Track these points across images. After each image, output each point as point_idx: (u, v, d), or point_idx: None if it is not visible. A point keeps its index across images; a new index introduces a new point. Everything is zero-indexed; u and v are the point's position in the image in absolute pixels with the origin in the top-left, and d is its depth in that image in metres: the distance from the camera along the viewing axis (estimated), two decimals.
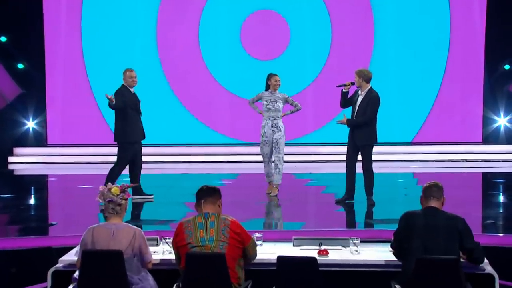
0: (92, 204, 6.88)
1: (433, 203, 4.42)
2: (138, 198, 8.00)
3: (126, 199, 4.33)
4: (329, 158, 12.27)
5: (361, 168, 7.47)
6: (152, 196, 8.02)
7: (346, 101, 7.61)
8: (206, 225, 4.29)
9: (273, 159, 8.35)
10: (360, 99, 7.48)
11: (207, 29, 13.10)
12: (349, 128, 7.52)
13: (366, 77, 7.48)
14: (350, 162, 7.56)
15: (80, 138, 13.06)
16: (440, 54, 12.95)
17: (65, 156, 12.79)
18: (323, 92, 12.64)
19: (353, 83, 7.57)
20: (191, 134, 12.80)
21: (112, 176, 7.80)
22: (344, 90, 7.59)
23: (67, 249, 4.96)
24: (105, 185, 4.28)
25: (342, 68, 12.46)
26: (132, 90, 7.95)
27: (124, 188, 4.33)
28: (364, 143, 7.45)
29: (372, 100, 7.42)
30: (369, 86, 7.48)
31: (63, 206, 8.16)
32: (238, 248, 4.28)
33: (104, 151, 12.46)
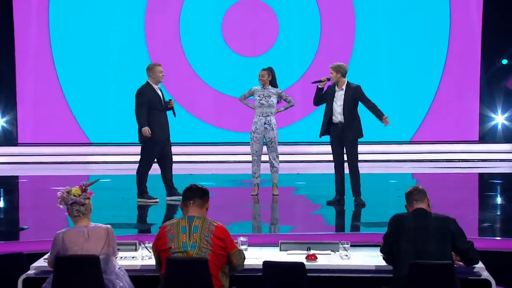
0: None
1: (420, 206, 4.46)
2: (173, 199, 8.01)
3: (89, 198, 4.34)
4: (318, 158, 12.31)
5: (347, 166, 7.57)
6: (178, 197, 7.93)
7: (320, 97, 7.71)
8: (190, 230, 4.25)
9: (268, 159, 8.35)
10: (340, 94, 7.57)
11: (188, 20, 13.08)
12: (326, 126, 7.61)
13: (344, 71, 7.61)
14: (339, 160, 7.66)
15: (52, 137, 13.01)
16: (439, 51, 13.04)
17: (36, 156, 12.75)
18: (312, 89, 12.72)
19: (328, 79, 7.68)
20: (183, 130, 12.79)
21: (141, 179, 7.96)
22: (319, 86, 7.70)
23: (39, 255, 4.93)
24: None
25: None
26: (156, 86, 7.98)
27: (84, 187, 4.33)
28: (354, 138, 7.56)
29: (358, 91, 7.55)
30: (346, 80, 7.61)
31: (35, 209, 8.12)
32: (222, 255, 4.24)
33: (76, 151, 12.45)
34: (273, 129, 8.31)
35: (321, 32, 13.06)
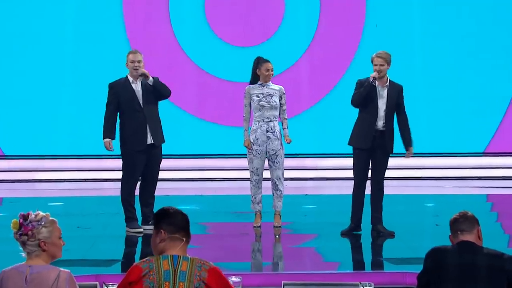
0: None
1: (467, 238, 4.43)
2: (150, 228, 8.00)
3: (27, 234, 4.20)
4: (331, 175, 12.30)
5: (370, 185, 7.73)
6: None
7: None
8: (175, 276, 3.93)
9: (270, 179, 8.26)
10: (383, 93, 7.72)
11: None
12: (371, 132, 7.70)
13: (390, 63, 7.77)
14: (363, 179, 7.76)
15: None
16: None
17: None
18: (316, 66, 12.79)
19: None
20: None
21: (124, 201, 8.07)
22: (375, 84, 7.72)
23: None
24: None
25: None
26: (135, 80, 8.06)
27: (24, 218, 4.21)
28: (392, 150, 7.78)
29: (402, 94, 7.80)
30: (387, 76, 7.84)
31: None
32: None
33: (19, 166, 12.48)
34: (278, 139, 8.18)
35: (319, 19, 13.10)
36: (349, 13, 13.18)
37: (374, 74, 7.70)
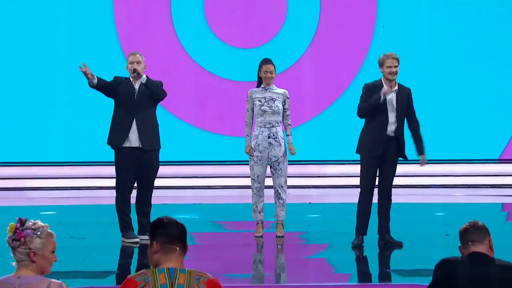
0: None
1: (478, 249, 4.42)
2: (146, 238, 8.02)
3: (20, 240, 4.21)
4: (336, 182, 12.29)
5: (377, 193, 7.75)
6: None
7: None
8: None
9: (273, 186, 8.25)
10: (392, 97, 7.74)
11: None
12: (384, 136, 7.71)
13: None
14: (371, 188, 7.78)
15: None
16: None
17: None
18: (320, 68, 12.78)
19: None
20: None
21: (117, 209, 8.11)
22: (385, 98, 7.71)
23: None
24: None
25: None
26: (135, 82, 8.17)
27: (20, 223, 4.22)
28: (401, 155, 7.81)
29: (411, 98, 7.83)
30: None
31: None
32: None
33: (7, 173, 12.48)
34: (280, 145, 8.17)
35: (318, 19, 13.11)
36: (356, 15, 13.14)
37: (386, 89, 7.62)
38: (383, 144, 7.70)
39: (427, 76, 12.87)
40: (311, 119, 12.70)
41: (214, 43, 13.01)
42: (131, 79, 8.20)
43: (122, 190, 8.19)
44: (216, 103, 12.93)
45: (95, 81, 8.07)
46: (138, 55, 8.22)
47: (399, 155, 7.81)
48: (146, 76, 8.18)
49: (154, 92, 8.17)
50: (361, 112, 7.79)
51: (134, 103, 8.13)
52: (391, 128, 7.74)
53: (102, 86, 8.14)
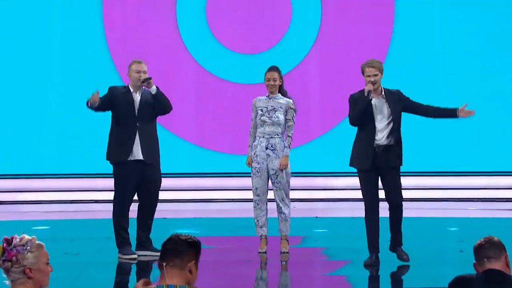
0: None
1: (494, 266, 4.43)
2: (145, 254, 8.11)
3: (11, 260, 4.20)
4: (344, 195, 12.28)
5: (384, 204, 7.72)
6: None
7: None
8: None
9: (275, 199, 8.25)
10: (380, 105, 7.71)
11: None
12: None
13: (383, 71, 7.78)
14: (373, 204, 7.73)
15: None
16: None
17: None
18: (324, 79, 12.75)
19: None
20: None
21: (115, 223, 8.10)
22: (371, 98, 7.72)
23: None
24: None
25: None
26: (136, 92, 8.17)
27: (8, 244, 4.22)
28: (399, 164, 7.76)
29: (402, 97, 7.77)
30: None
31: None
32: None
33: None
34: (278, 157, 8.17)
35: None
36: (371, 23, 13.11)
37: (369, 86, 7.61)
38: (371, 156, 7.64)
39: (441, 85, 12.86)
40: (322, 134, 12.73)
41: (218, 48, 13.05)
42: (131, 88, 8.20)
43: (121, 204, 8.19)
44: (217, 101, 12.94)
45: (97, 104, 8.04)
46: (143, 64, 8.22)
47: (398, 163, 7.75)
48: (156, 87, 8.19)
49: (162, 104, 8.17)
50: (352, 118, 7.76)
51: (135, 114, 8.15)
52: (380, 136, 7.67)
53: (101, 106, 8.10)
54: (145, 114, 8.16)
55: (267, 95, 8.29)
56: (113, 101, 8.16)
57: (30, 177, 12.68)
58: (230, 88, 12.79)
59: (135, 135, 8.13)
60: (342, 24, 13.09)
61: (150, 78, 8.09)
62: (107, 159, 8.28)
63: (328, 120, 12.82)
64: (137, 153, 8.14)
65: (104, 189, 11.42)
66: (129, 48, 12.72)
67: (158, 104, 8.17)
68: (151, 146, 8.23)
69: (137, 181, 8.15)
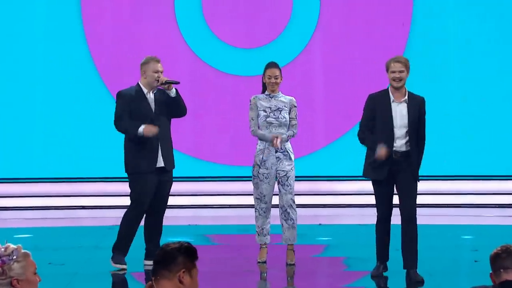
0: None
1: (511, 277, 4.41)
2: (149, 264, 8.06)
3: (2, 267, 4.19)
4: (350, 201, 12.30)
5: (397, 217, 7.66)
6: None
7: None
8: None
9: (279, 206, 8.16)
10: (401, 109, 7.63)
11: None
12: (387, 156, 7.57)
13: (409, 69, 7.69)
14: (387, 214, 7.70)
15: None
16: None
17: None
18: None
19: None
20: None
21: (123, 231, 8.03)
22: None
23: None
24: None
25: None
26: (148, 91, 8.05)
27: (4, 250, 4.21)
28: (418, 174, 7.66)
29: (423, 108, 7.68)
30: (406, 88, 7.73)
31: None
32: None
33: None
34: (289, 159, 8.10)
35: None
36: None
37: (380, 153, 7.45)
38: (387, 166, 7.55)
39: (456, 88, 12.88)
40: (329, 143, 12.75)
41: (216, 42, 13.13)
42: (143, 88, 8.05)
43: (137, 211, 8.06)
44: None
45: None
46: (161, 64, 8.09)
47: (416, 173, 7.69)
48: (176, 89, 8.08)
49: (181, 107, 8.11)
50: (361, 140, 7.76)
51: (152, 117, 8.01)
52: (398, 143, 7.58)
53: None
54: (163, 115, 8.06)
55: (267, 93, 8.20)
56: (129, 106, 8.01)
57: (10, 182, 12.71)
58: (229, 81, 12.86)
59: (158, 141, 8.00)
60: (341, 20, 13.16)
61: (177, 82, 7.99)
62: (129, 171, 8.13)
63: (330, 119, 12.85)
64: (159, 160, 8.07)
65: (90, 194, 11.47)
66: (126, 44, 12.82)
67: (177, 107, 8.08)
68: (170, 152, 8.17)
69: (155, 189, 8.09)
